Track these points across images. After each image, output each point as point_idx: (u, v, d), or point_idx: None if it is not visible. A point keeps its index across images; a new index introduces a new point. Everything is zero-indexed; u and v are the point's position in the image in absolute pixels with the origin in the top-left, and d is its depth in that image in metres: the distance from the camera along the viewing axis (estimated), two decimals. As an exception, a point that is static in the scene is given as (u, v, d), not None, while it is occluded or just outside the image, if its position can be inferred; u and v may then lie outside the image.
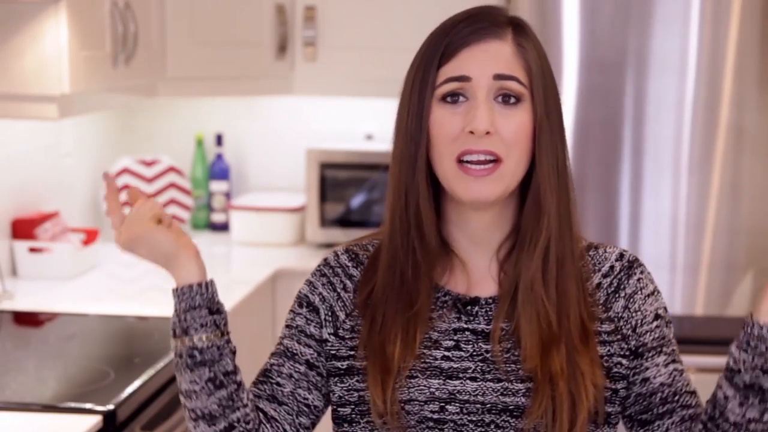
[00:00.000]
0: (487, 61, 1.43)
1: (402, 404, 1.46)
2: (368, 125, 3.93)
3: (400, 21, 3.57)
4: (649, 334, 1.51)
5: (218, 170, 3.93)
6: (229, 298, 3.05)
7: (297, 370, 1.54)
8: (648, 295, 1.52)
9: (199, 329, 1.47)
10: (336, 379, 1.52)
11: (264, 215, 3.73)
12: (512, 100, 1.43)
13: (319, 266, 1.59)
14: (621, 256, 1.54)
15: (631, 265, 1.53)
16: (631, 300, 1.51)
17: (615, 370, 1.49)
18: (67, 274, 3.19)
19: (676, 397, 1.51)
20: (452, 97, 1.44)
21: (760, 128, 3.01)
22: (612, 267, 1.53)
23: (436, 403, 1.46)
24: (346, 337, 1.52)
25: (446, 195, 1.49)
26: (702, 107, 3.00)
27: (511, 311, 1.47)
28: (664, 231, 3.05)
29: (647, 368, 1.51)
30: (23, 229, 3.19)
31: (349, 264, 1.56)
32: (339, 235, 3.66)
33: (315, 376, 1.54)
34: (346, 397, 1.51)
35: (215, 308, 1.48)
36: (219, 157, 3.94)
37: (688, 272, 3.04)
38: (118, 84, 3.02)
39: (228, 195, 3.93)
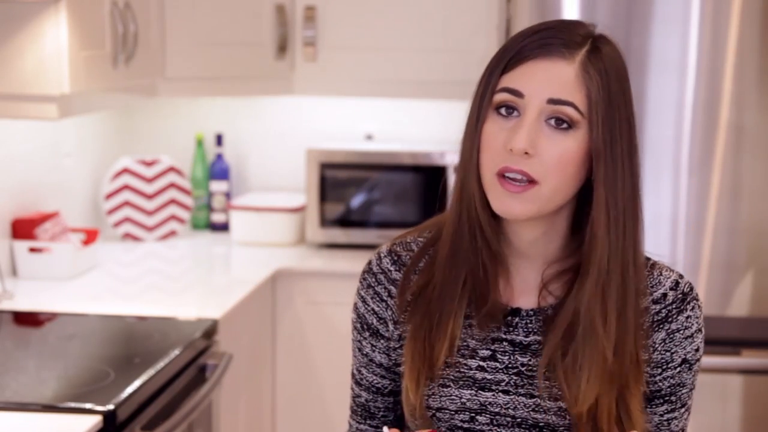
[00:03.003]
0: (545, 82, 1.39)
1: (433, 411, 1.48)
2: (368, 125, 3.93)
3: (399, 21, 3.57)
4: (667, 380, 1.50)
5: (218, 170, 3.93)
6: (229, 298, 3.05)
7: (389, 402, 1.59)
8: (687, 337, 1.49)
9: None
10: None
11: (264, 215, 3.73)
12: (564, 125, 1.39)
13: (364, 274, 1.58)
14: (676, 284, 1.50)
15: (685, 298, 1.49)
16: (671, 337, 1.49)
17: None
18: (67, 274, 3.19)
19: None
20: (507, 110, 1.40)
21: (760, 128, 3.00)
22: (665, 295, 1.49)
23: (467, 413, 1.47)
24: (397, 347, 1.54)
25: None
26: (702, 107, 3.00)
27: (559, 333, 1.44)
28: (664, 231, 3.04)
29: (647, 413, 1.51)
30: (23, 229, 3.19)
31: (392, 268, 1.55)
32: (339, 235, 3.66)
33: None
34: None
35: None
36: (219, 157, 3.94)
37: (688, 272, 3.04)
38: (118, 84, 3.02)
39: (228, 195, 3.93)
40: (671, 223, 3.04)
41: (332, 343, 3.42)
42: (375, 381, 1.58)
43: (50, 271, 3.17)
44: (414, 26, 3.56)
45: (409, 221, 3.51)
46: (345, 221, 3.68)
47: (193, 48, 3.43)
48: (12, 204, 3.20)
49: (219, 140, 3.93)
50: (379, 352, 1.56)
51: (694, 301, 1.50)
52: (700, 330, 1.51)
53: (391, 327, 1.54)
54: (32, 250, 3.17)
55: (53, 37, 2.65)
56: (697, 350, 1.51)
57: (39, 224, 3.21)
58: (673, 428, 1.53)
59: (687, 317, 1.49)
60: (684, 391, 1.52)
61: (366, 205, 3.69)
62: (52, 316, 2.82)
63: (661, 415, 1.52)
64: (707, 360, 3.07)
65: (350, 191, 3.69)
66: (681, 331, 1.49)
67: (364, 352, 1.57)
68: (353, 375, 1.61)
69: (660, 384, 1.50)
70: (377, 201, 3.68)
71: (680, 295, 1.49)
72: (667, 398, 1.51)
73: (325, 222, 3.67)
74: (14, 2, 2.63)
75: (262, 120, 4.01)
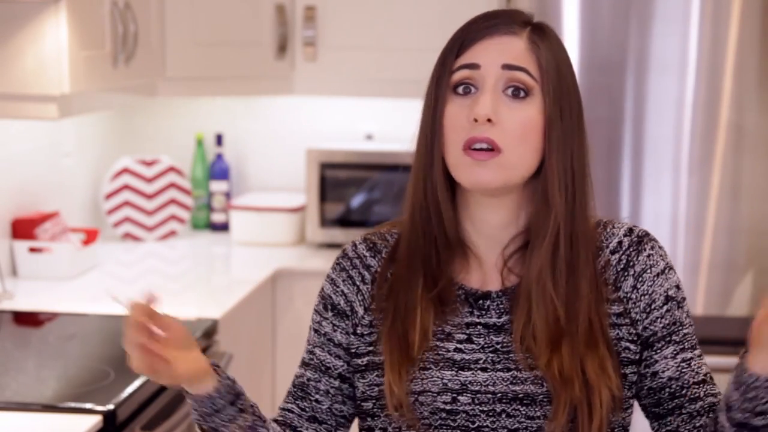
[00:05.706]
0: (497, 52, 1.45)
1: (415, 395, 1.48)
2: (368, 125, 3.93)
3: (400, 21, 3.57)
4: (659, 320, 1.50)
5: (218, 170, 3.93)
6: (229, 298, 3.05)
7: (332, 385, 1.57)
8: (658, 274, 1.51)
9: (228, 424, 1.47)
10: (357, 375, 1.54)
11: (264, 215, 3.73)
12: (521, 93, 1.45)
13: (338, 259, 1.59)
14: (630, 231, 1.53)
15: (641, 240, 1.52)
16: (640, 279, 1.50)
17: (623, 354, 1.49)
18: (67, 274, 3.19)
19: (684, 391, 1.50)
20: (465, 89, 1.46)
21: (760, 128, 3.01)
22: (620, 242, 1.52)
23: (449, 394, 1.48)
24: (365, 333, 1.54)
25: (461, 191, 1.51)
26: (702, 107, 3.00)
27: (525, 305, 1.47)
28: (664, 231, 3.04)
29: (656, 361, 1.50)
30: (23, 229, 3.19)
31: (367, 254, 1.57)
32: (339, 235, 3.66)
33: (348, 388, 1.56)
34: (368, 392, 1.53)
35: (235, 395, 1.48)
36: (219, 157, 3.94)
37: (688, 272, 3.04)
38: (118, 84, 3.02)
39: (228, 195, 3.93)
40: (671, 223, 3.04)
41: (332, 343, 3.42)
42: (327, 360, 1.56)
43: (50, 271, 3.17)
44: (414, 26, 3.56)
45: (409, 221, 3.50)
46: (345, 221, 3.68)
47: (193, 48, 3.43)
48: (12, 204, 3.20)
49: (219, 140, 3.93)
50: (340, 332, 1.55)
51: (652, 242, 1.52)
52: (670, 267, 1.52)
53: (360, 311, 1.54)
54: (32, 250, 3.17)
55: (53, 37, 2.65)
56: (677, 287, 1.52)
57: (39, 224, 3.21)
58: (696, 369, 1.51)
59: (648, 256, 1.51)
60: (685, 330, 1.51)
61: (366, 205, 3.69)
62: (52, 316, 2.82)
63: (674, 358, 1.50)
64: (707, 360, 3.08)
65: (350, 191, 3.69)
66: (647, 271, 1.50)
67: (322, 332, 1.57)
68: (302, 359, 1.60)
69: (652, 327, 1.50)
70: (377, 201, 3.68)
71: (635, 239, 1.52)
72: (667, 338, 1.50)
73: (325, 222, 3.67)
74: (14, 2, 2.63)
75: (262, 120, 4.01)
